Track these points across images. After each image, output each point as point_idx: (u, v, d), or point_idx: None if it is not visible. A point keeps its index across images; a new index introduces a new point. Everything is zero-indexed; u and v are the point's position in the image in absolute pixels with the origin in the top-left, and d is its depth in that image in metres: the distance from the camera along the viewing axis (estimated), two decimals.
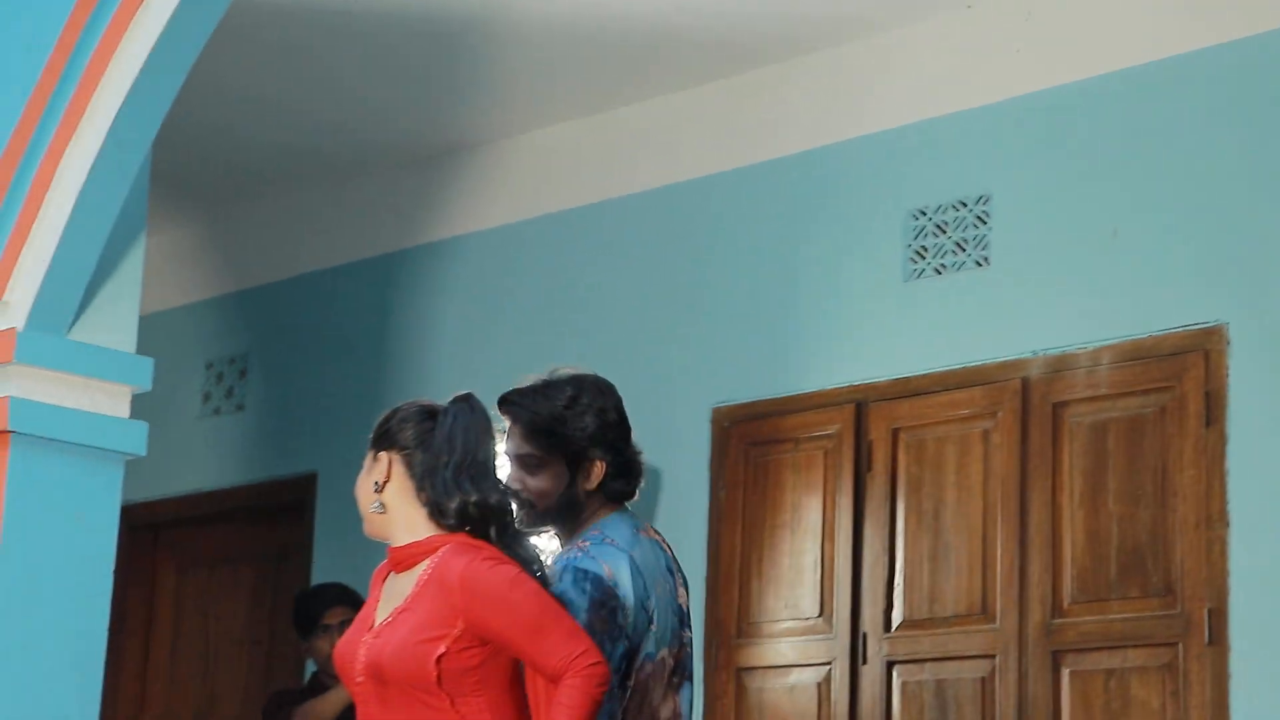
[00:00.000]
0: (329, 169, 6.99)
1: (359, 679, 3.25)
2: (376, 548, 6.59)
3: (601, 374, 6.16)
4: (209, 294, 7.50)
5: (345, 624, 5.74)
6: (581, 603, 3.43)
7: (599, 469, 3.60)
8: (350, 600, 5.87)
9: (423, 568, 3.25)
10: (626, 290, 6.28)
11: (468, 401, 3.32)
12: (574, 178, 6.50)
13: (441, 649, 3.17)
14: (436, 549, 3.25)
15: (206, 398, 7.41)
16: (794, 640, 5.63)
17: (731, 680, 5.73)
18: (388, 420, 3.34)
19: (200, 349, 7.44)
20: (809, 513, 5.67)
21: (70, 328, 3.89)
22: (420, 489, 3.27)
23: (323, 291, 7.16)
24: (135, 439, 3.96)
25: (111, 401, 3.94)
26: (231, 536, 7.39)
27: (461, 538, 3.25)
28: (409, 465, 3.28)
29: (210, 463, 7.33)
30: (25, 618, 3.77)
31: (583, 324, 6.36)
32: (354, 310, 7.04)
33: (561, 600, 3.36)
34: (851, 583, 5.53)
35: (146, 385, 4.00)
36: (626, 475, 3.65)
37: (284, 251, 7.29)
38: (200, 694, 7.37)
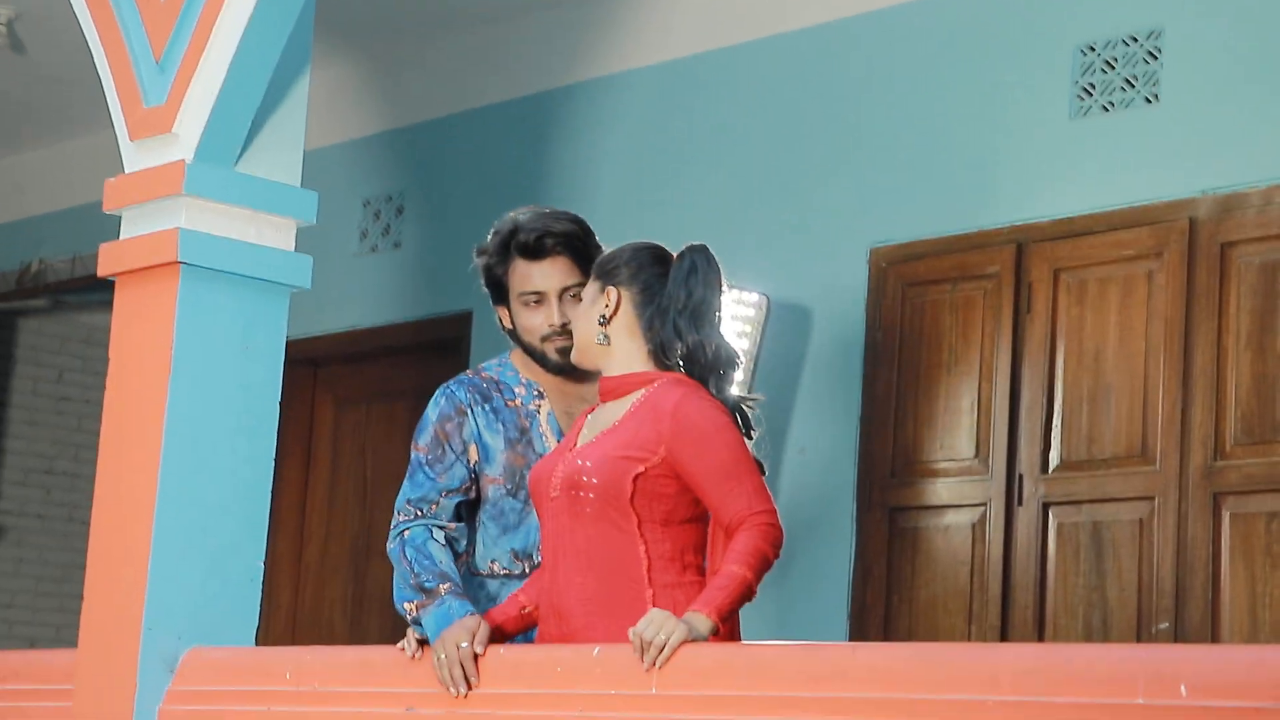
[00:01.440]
0: (488, 6, 6.95)
1: (554, 494, 3.34)
2: None
3: (759, 213, 6.17)
4: (366, 132, 7.54)
5: None
6: None
7: None
8: None
9: (636, 396, 3.34)
10: (784, 129, 6.22)
11: (705, 252, 3.40)
12: (730, 14, 6.43)
13: (640, 469, 3.26)
14: (653, 381, 3.34)
15: (364, 235, 7.48)
16: (949, 481, 5.62)
17: (884, 520, 5.73)
18: (617, 257, 3.42)
19: (358, 187, 7.49)
20: (967, 354, 5.63)
21: (237, 161, 3.93)
22: (649, 327, 3.36)
23: (480, 129, 7.16)
24: (300, 272, 4.00)
25: (277, 234, 3.98)
26: (388, 373, 7.48)
27: (680, 375, 3.35)
28: (637, 304, 3.38)
29: (367, 300, 7.41)
30: (195, 446, 3.85)
31: (739, 163, 6.32)
32: (511, 148, 7.05)
33: None
34: (1009, 424, 5.50)
35: (311, 219, 4.04)
36: None
37: (442, 89, 7.30)
38: (358, 527, 7.51)
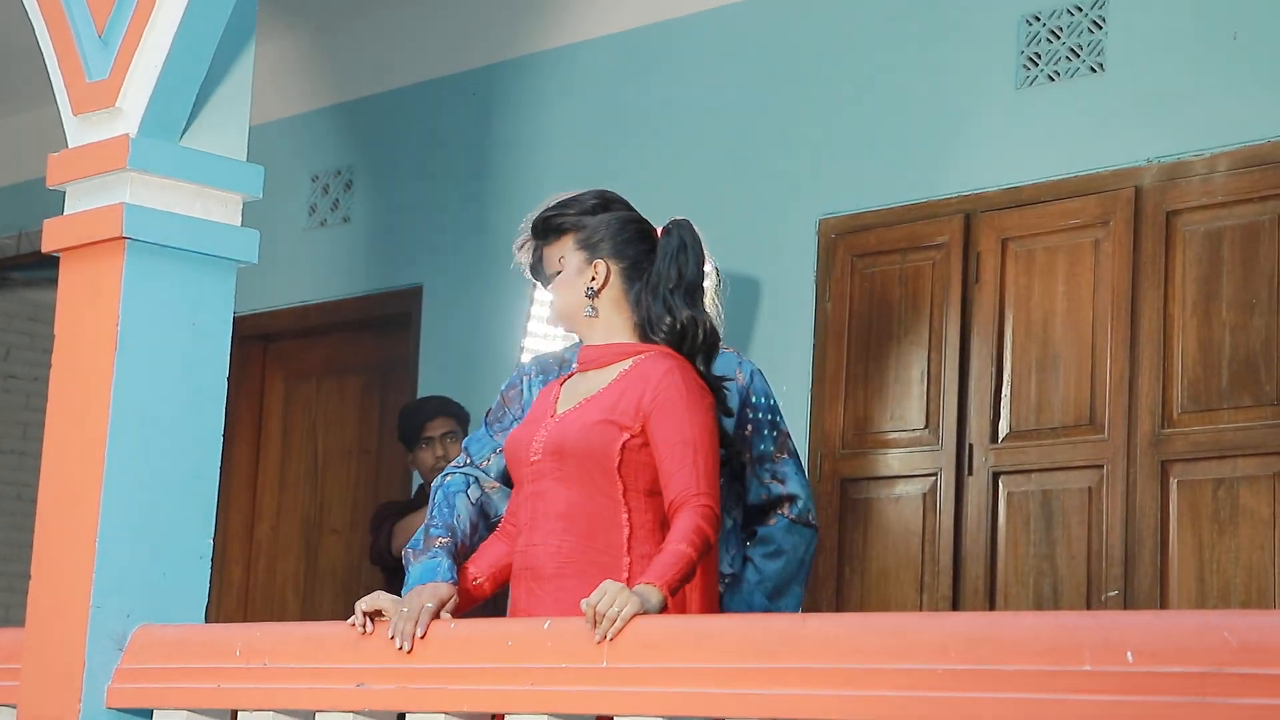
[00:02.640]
0: None
1: (534, 458, 3.36)
2: (479, 360, 6.66)
3: (708, 185, 6.17)
4: (313, 106, 7.50)
5: (448, 436, 5.82)
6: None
7: None
8: (452, 412, 5.92)
9: (624, 365, 3.38)
10: (733, 100, 6.22)
11: (690, 228, 3.44)
12: None
13: (626, 436, 3.29)
14: (640, 352, 3.38)
15: (312, 210, 7.45)
16: (900, 451, 5.64)
17: (836, 491, 5.75)
18: (600, 229, 3.44)
19: (306, 161, 7.46)
20: (916, 324, 5.65)
21: (182, 135, 3.89)
22: (637, 303, 3.41)
23: (428, 103, 7.14)
24: (247, 246, 3.97)
25: (223, 209, 3.94)
26: (338, 348, 7.46)
27: (669, 349, 3.38)
28: (626, 277, 3.42)
29: (317, 275, 7.38)
30: (142, 424, 3.82)
31: (688, 135, 6.31)
32: (459, 122, 7.02)
33: (772, 407, 3.59)
34: (958, 394, 5.52)
35: (257, 193, 4.00)
36: None
37: (390, 63, 7.27)
38: (310, 503, 7.50)
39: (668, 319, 3.38)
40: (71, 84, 3.95)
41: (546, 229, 3.60)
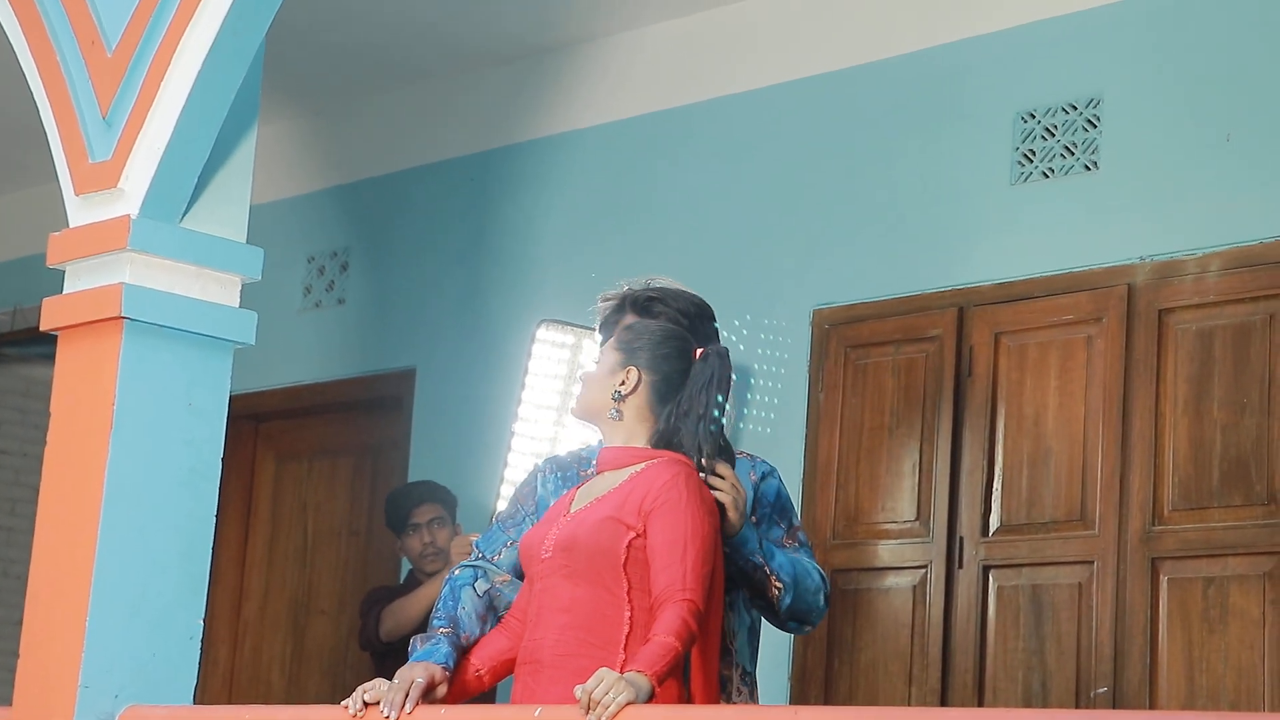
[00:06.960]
0: (435, 65, 6.99)
1: (545, 555, 3.42)
2: (471, 443, 6.65)
3: (704, 274, 6.19)
4: (310, 188, 7.53)
5: (435, 521, 5.81)
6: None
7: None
8: (439, 498, 5.91)
9: (636, 468, 3.44)
10: (729, 190, 6.26)
11: (727, 357, 3.52)
12: (677, 76, 6.47)
13: (632, 535, 3.36)
14: (653, 457, 3.45)
15: (307, 291, 7.46)
16: (890, 543, 5.64)
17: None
18: (642, 336, 3.50)
19: (302, 242, 7.48)
20: (908, 416, 5.66)
21: (183, 216, 3.92)
22: (667, 419, 3.48)
23: (426, 187, 7.17)
24: (245, 328, 3.99)
25: (222, 290, 3.97)
26: (330, 429, 7.46)
27: (681, 455, 3.45)
28: (657, 392, 3.49)
29: (310, 356, 7.39)
30: (136, 502, 3.82)
31: (684, 224, 6.35)
32: (456, 207, 7.06)
33: (782, 503, 3.64)
34: (949, 487, 5.53)
35: (257, 275, 4.03)
36: None
37: (386, 147, 7.31)
38: (298, 583, 7.47)
39: (687, 441, 3.45)
40: (74, 164, 3.98)
41: (647, 308, 3.63)
